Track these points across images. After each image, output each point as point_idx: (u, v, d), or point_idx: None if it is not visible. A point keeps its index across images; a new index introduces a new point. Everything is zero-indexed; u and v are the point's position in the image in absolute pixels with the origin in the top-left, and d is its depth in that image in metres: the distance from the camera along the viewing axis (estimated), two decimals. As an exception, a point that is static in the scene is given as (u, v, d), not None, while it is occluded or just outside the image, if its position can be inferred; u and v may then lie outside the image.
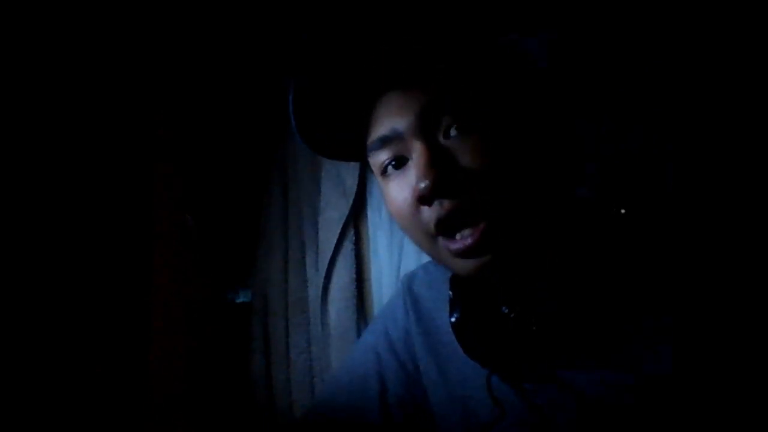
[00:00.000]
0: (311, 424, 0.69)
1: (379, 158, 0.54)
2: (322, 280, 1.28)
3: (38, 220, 1.17)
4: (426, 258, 0.62)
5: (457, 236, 0.50)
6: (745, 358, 0.46)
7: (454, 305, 0.57)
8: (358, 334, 1.20)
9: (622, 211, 0.55)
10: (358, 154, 0.57)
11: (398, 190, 0.53)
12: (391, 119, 0.52)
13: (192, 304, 1.42)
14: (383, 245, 1.21)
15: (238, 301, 1.56)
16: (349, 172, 1.27)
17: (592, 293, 0.53)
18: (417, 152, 0.50)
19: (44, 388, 1.11)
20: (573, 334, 0.51)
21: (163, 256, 1.37)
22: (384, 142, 0.53)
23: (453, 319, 0.56)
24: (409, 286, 0.72)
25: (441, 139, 0.50)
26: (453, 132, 0.50)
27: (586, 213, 0.58)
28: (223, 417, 1.44)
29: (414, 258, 1.11)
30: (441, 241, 0.51)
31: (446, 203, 0.49)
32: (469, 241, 0.49)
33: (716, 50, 0.73)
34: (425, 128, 0.50)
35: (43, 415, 1.09)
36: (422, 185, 0.48)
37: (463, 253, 0.49)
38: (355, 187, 1.25)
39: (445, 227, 0.50)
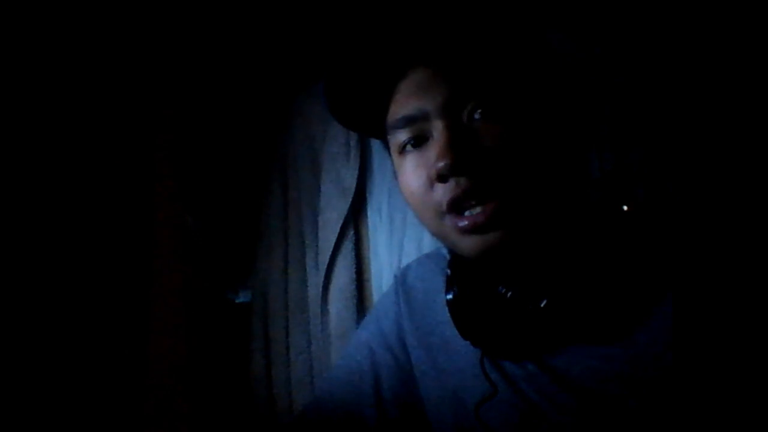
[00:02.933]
0: (308, 421, 0.70)
1: (400, 137, 0.55)
2: (322, 280, 1.28)
3: (39, 221, 1.17)
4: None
5: (466, 213, 0.51)
6: (745, 357, 0.46)
7: (450, 284, 0.57)
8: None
9: (624, 208, 0.55)
10: (377, 129, 0.58)
11: (414, 167, 0.54)
12: (417, 99, 0.53)
13: (192, 304, 1.42)
14: (383, 245, 1.21)
15: (238, 301, 1.56)
16: (349, 172, 1.27)
17: (590, 283, 0.53)
18: (439, 131, 0.51)
19: (44, 388, 1.11)
20: (568, 321, 0.52)
21: (163, 256, 1.37)
22: (408, 121, 0.54)
23: (449, 297, 0.57)
24: (403, 279, 0.73)
25: (464, 120, 0.51)
26: (477, 115, 0.51)
27: (591, 208, 0.58)
28: (223, 417, 1.44)
29: (414, 258, 1.11)
30: (450, 218, 0.52)
31: (462, 182, 0.50)
32: (479, 218, 0.50)
33: (718, 62, 0.73)
34: (451, 109, 0.51)
35: (42, 415, 1.09)
36: (441, 164, 0.50)
37: (471, 230, 0.51)
38: (354, 187, 1.25)
39: (456, 206, 0.51)
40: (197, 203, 1.48)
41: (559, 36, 0.58)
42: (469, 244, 0.52)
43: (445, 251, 0.65)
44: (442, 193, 0.51)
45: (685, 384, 0.46)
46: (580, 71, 0.66)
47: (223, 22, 1.38)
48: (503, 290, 0.53)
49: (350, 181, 1.26)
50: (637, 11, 0.80)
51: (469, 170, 0.49)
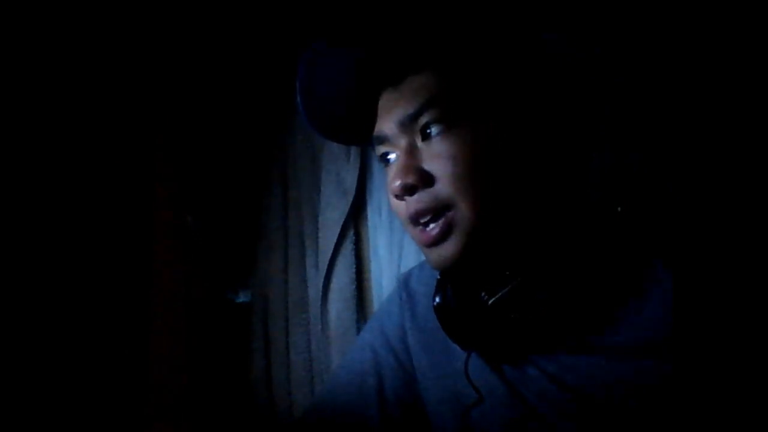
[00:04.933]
0: (311, 422, 0.70)
1: (379, 151, 0.60)
2: (322, 280, 1.28)
3: (39, 222, 1.17)
4: (426, 258, 0.62)
5: (427, 228, 0.54)
6: (744, 361, 0.46)
7: (438, 289, 0.59)
8: (359, 334, 1.20)
9: (618, 209, 0.56)
10: (367, 140, 0.62)
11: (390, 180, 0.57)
12: (381, 121, 0.58)
13: (192, 304, 1.42)
14: (383, 245, 1.21)
15: (238, 301, 1.56)
16: (349, 172, 1.27)
17: (574, 288, 0.54)
18: (397, 152, 0.56)
19: (44, 389, 1.11)
20: (550, 323, 0.53)
21: (163, 256, 1.37)
22: (378, 140, 0.58)
23: (435, 303, 0.59)
24: (405, 283, 0.74)
25: (419, 142, 0.55)
26: (432, 133, 0.54)
27: (585, 209, 0.58)
28: (223, 417, 1.44)
29: (414, 258, 1.11)
30: (414, 231, 0.55)
31: (413, 201, 0.53)
32: (433, 232, 0.53)
33: (718, 62, 0.73)
34: (404, 132, 0.55)
35: (43, 415, 1.09)
36: (394, 185, 0.54)
37: (428, 244, 0.54)
38: (354, 188, 1.25)
39: (415, 220, 0.54)
40: (197, 203, 1.48)
41: (558, 36, 0.59)
42: (429, 257, 0.56)
43: None
44: (404, 207, 0.55)
45: (685, 386, 0.46)
46: (580, 71, 0.66)
47: (223, 22, 1.38)
48: (485, 297, 0.54)
49: (351, 181, 1.26)
50: (636, 11, 0.80)
51: (422, 190, 0.53)
